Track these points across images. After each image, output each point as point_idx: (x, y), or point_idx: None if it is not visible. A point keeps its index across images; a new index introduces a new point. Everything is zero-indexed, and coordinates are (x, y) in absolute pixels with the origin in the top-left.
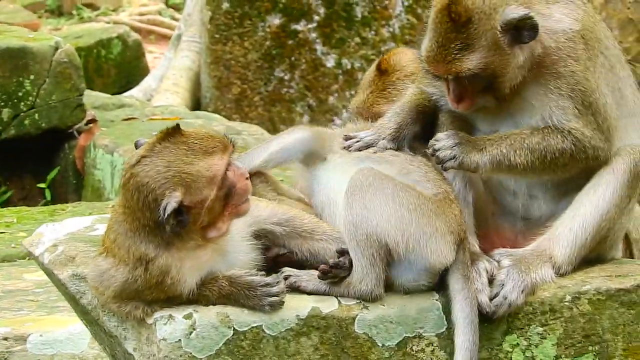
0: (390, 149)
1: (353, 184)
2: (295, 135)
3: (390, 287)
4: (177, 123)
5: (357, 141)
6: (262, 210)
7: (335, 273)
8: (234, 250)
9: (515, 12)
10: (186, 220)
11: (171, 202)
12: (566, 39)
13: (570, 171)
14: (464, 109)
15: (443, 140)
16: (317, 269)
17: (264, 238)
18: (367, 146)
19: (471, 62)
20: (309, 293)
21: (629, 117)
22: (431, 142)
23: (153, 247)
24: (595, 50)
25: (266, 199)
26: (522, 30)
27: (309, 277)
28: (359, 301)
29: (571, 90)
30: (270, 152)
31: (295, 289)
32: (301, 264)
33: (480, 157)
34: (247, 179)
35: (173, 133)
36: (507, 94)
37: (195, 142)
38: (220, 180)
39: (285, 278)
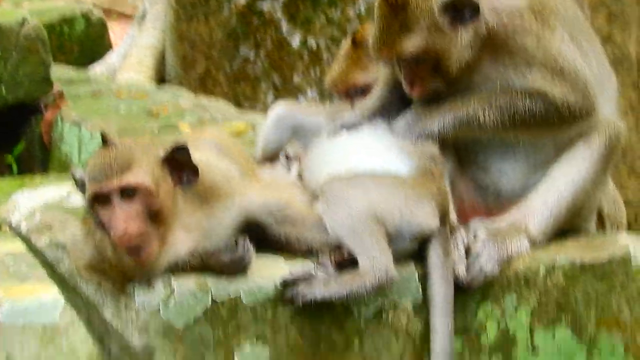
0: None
1: (326, 197)
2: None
3: None
4: (108, 139)
5: (338, 122)
6: (254, 201)
7: (346, 265)
8: (212, 238)
9: None
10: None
11: (79, 170)
12: (512, 16)
13: (551, 132)
14: (418, 94)
15: (400, 120)
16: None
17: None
18: (346, 126)
19: (412, 44)
20: (324, 300)
21: (599, 88)
22: (394, 123)
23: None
24: (550, 21)
25: (263, 183)
26: (461, 10)
27: (320, 285)
28: None
29: (527, 64)
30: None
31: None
32: (281, 246)
33: (442, 121)
34: (115, 235)
35: (104, 141)
36: (457, 76)
37: (96, 160)
38: (87, 205)
39: (293, 287)
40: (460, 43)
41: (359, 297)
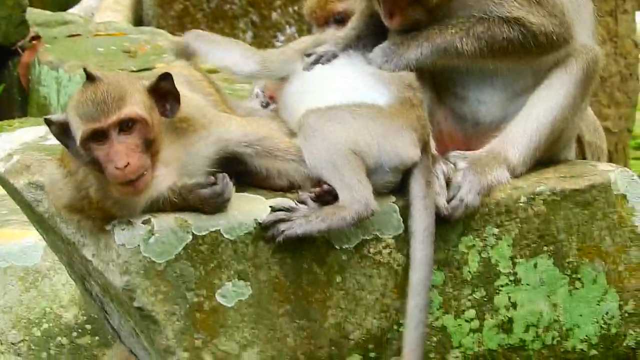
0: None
1: (305, 130)
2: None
3: None
4: (95, 75)
5: (312, 55)
6: (232, 132)
7: (327, 199)
8: (191, 172)
9: None
10: (71, 144)
11: (55, 115)
12: None
13: (526, 60)
14: (397, 25)
15: (377, 50)
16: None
17: (230, 158)
18: (320, 58)
19: None
20: (306, 236)
21: (574, 13)
22: (372, 58)
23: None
24: None
25: (239, 116)
26: None
27: (300, 220)
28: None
29: None
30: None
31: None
32: (261, 180)
33: (420, 50)
34: (117, 168)
35: (89, 77)
36: (437, 4)
37: (85, 97)
38: (79, 144)
39: (274, 225)
40: None
41: (340, 231)
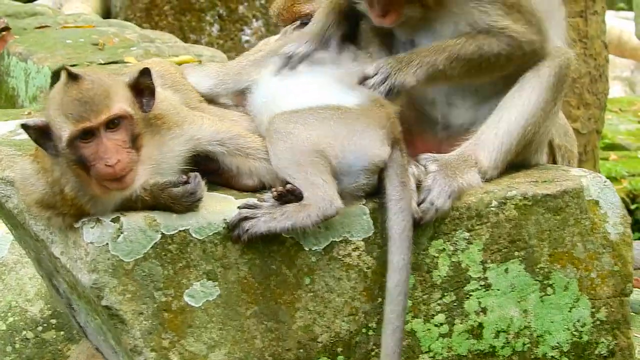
0: (310, 53)
1: (270, 134)
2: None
3: None
4: (78, 74)
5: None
6: (204, 130)
7: (289, 198)
8: (163, 170)
9: None
10: (49, 145)
11: (33, 120)
12: None
13: (507, 70)
14: (390, 23)
15: (373, 78)
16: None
17: (202, 156)
18: (288, 59)
19: None
20: (270, 233)
21: (547, 17)
22: (361, 74)
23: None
24: None
25: (211, 115)
26: None
27: (265, 218)
28: None
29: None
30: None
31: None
32: (232, 179)
33: (416, 78)
34: (108, 165)
35: (70, 77)
36: (432, 3)
37: (69, 97)
38: (64, 144)
39: (239, 224)
40: None
41: (305, 229)
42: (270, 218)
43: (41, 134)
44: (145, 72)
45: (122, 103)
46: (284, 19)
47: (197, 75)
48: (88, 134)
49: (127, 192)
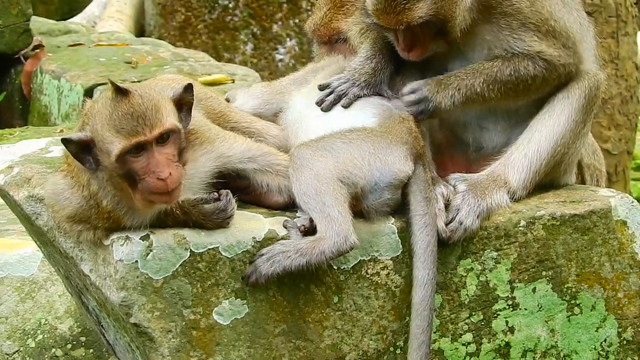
0: (364, 96)
1: (295, 160)
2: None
3: (355, 214)
4: (127, 89)
5: (330, 92)
6: (235, 148)
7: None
8: (192, 185)
9: None
10: (92, 163)
11: (76, 134)
12: None
13: (543, 92)
14: (416, 57)
15: (408, 96)
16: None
17: (232, 174)
18: (340, 98)
19: (421, 9)
20: (285, 272)
21: (579, 41)
22: (401, 98)
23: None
24: None
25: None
26: None
27: (279, 257)
28: None
29: (522, 25)
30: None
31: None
32: (261, 196)
33: (452, 100)
34: (160, 179)
35: (119, 92)
36: (458, 37)
37: (120, 112)
38: (114, 159)
39: (255, 269)
40: (464, 5)
41: (320, 265)
42: (285, 257)
43: (81, 149)
44: (189, 88)
45: (171, 117)
46: (321, 35)
47: (243, 96)
48: (139, 148)
49: (157, 207)
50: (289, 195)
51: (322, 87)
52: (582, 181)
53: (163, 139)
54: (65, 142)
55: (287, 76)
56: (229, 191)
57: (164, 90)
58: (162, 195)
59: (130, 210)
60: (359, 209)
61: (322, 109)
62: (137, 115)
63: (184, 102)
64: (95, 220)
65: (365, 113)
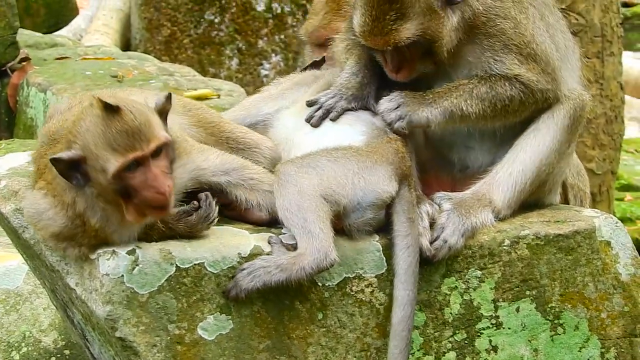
0: (352, 109)
1: (279, 176)
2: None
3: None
4: (118, 105)
5: (319, 108)
6: (210, 161)
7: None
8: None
9: None
10: (80, 180)
11: (66, 153)
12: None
13: (521, 115)
14: (404, 78)
15: (385, 103)
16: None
17: (215, 189)
18: (328, 112)
19: (409, 30)
20: (265, 287)
21: (562, 61)
22: (377, 106)
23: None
24: (524, 3)
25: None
26: None
27: (259, 272)
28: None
29: (505, 47)
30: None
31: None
32: (244, 212)
33: (430, 111)
34: (159, 193)
35: (110, 110)
36: (445, 58)
37: (113, 129)
38: (110, 176)
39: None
40: (451, 25)
41: (300, 281)
42: (265, 272)
43: (69, 166)
44: (169, 98)
45: (163, 130)
46: (318, 37)
47: (233, 111)
48: (136, 164)
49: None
50: (268, 211)
51: (310, 104)
52: (566, 201)
53: (157, 152)
54: (55, 161)
55: (269, 87)
56: (208, 193)
57: (147, 102)
58: (157, 209)
59: (118, 227)
60: (341, 227)
61: (311, 124)
62: (132, 131)
63: (164, 112)
64: (81, 238)
65: (355, 129)
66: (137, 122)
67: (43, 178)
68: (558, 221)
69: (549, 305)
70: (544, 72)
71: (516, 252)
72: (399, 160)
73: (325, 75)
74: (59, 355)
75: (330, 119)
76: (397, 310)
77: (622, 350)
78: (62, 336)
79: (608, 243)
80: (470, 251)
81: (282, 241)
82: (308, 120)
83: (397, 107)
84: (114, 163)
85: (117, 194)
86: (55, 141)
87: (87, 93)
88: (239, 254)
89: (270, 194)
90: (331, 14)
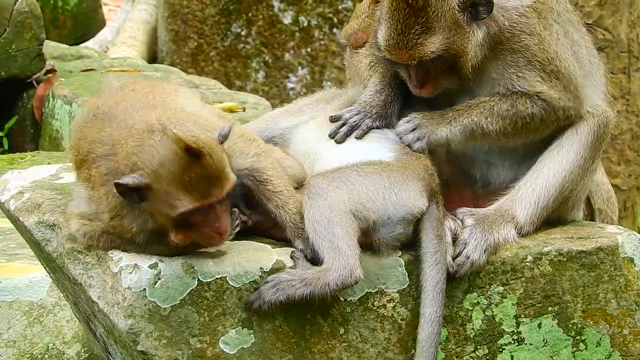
0: (376, 127)
1: (310, 189)
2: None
3: (365, 246)
4: (200, 151)
5: (343, 124)
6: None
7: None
8: None
9: None
10: (136, 199)
11: (132, 179)
12: (518, 15)
13: (543, 133)
14: (428, 94)
15: (403, 125)
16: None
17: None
18: (352, 129)
19: (434, 44)
20: (289, 301)
21: (586, 78)
22: (396, 127)
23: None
24: (549, 19)
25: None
26: (478, 6)
27: (283, 285)
28: None
29: (528, 63)
30: None
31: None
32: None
33: (449, 129)
34: (219, 233)
35: (192, 153)
36: (469, 73)
37: (193, 173)
38: (177, 214)
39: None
40: (476, 40)
41: (323, 297)
42: (289, 285)
43: (131, 190)
44: (230, 129)
45: (232, 173)
46: (357, 39)
47: (257, 122)
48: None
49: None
50: (291, 221)
51: (333, 119)
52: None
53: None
54: (120, 185)
55: (295, 102)
56: (236, 210)
57: (212, 134)
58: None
59: (151, 236)
60: (370, 242)
61: (335, 141)
62: (211, 178)
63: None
64: (104, 227)
65: (382, 146)
66: (215, 168)
67: (86, 167)
68: (581, 237)
69: (571, 322)
70: (566, 90)
71: (539, 268)
72: (428, 176)
73: (347, 92)
74: None
75: (356, 137)
76: (424, 327)
77: None
78: (85, 348)
79: (631, 260)
80: (492, 267)
81: (305, 257)
82: (332, 136)
83: (415, 129)
84: (187, 205)
85: (172, 222)
86: (107, 142)
87: (138, 79)
88: (261, 268)
89: (291, 200)
90: (371, 18)
